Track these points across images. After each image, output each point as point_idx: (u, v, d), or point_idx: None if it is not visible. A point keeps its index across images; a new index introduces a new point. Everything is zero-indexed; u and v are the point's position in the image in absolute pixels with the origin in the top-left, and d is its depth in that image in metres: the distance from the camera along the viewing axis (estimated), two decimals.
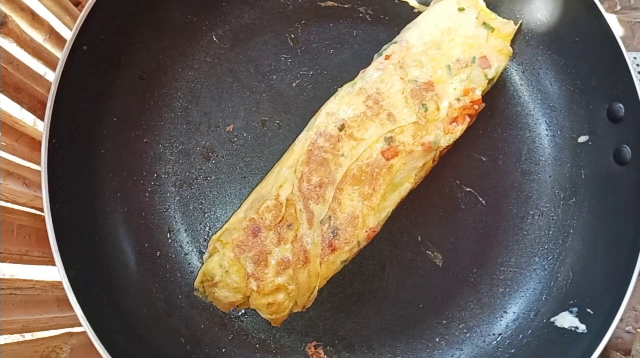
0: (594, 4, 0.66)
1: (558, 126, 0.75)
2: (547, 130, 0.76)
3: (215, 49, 0.78)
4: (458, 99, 0.66)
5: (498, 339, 0.70)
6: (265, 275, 0.61)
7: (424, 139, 0.64)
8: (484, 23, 0.69)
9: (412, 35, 0.69)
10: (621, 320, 0.60)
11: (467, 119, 0.67)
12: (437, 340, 0.71)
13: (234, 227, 0.64)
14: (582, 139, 0.72)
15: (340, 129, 0.64)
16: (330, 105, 0.66)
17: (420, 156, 0.65)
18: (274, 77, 0.77)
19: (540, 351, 0.66)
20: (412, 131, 0.64)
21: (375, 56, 0.71)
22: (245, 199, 0.68)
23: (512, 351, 0.68)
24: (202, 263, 0.65)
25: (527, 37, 0.76)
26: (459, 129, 0.66)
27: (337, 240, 0.62)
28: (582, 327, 0.63)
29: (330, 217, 0.62)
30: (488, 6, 0.72)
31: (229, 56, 0.77)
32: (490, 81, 0.69)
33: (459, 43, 0.68)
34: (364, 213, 0.63)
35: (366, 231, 0.63)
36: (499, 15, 0.73)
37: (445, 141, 0.66)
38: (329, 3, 0.79)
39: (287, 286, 0.62)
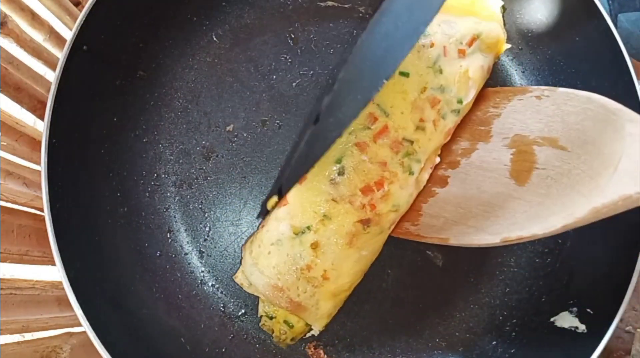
0: (594, 4, 0.66)
1: None
2: None
3: (215, 49, 0.78)
4: None
5: (498, 339, 0.70)
6: None
7: None
8: None
9: None
10: (621, 320, 0.60)
11: None
12: (437, 340, 0.71)
13: None
14: None
15: None
16: None
17: None
18: (274, 77, 0.77)
19: (540, 351, 0.66)
20: None
21: None
22: None
23: (512, 351, 0.68)
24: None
25: (527, 37, 0.76)
26: None
27: None
28: (582, 327, 0.63)
29: None
30: None
31: (229, 56, 0.77)
32: None
33: None
34: None
35: None
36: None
37: None
38: (329, 3, 0.79)
39: None
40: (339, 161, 0.62)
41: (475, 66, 0.67)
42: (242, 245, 0.69)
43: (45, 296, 0.68)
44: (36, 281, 0.69)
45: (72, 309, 0.58)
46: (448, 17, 0.67)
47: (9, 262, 0.64)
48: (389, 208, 0.62)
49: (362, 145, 0.62)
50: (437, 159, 0.68)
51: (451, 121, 0.66)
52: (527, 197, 0.55)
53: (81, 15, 0.63)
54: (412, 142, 0.63)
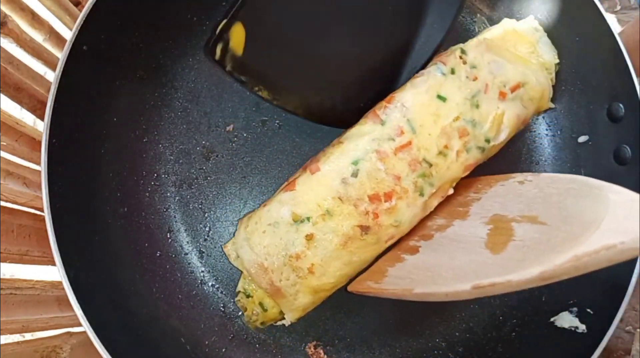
0: (594, 4, 0.66)
1: (558, 126, 0.75)
2: (547, 130, 0.76)
3: None
4: None
5: (498, 339, 0.70)
6: None
7: None
8: None
9: None
10: (621, 320, 0.60)
11: None
12: (437, 340, 0.71)
13: None
14: (582, 139, 0.72)
15: None
16: None
17: None
18: None
19: (540, 351, 0.66)
20: None
21: None
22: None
23: (512, 351, 0.68)
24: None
25: None
26: None
27: None
28: (582, 327, 0.63)
29: None
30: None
31: None
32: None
33: None
34: None
35: None
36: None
37: None
38: None
39: None
40: (355, 163, 0.62)
41: (512, 113, 0.66)
42: (239, 219, 0.69)
43: (45, 297, 0.68)
44: (36, 281, 0.69)
45: (72, 309, 0.58)
46: (499, 59, 0.67)
47: (9, 262, 0.64)
48: (390, 222, 0.62)
49: (382, 154, 0.62)
50: (451, 191, 0.67)
51: (473, 156, 0.66)
52: (501, 263, 0.53)
53: (81, 15, 0.63)
54: (430, 165, 0.63)
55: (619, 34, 0.65)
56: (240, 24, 0.56)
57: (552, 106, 0.73)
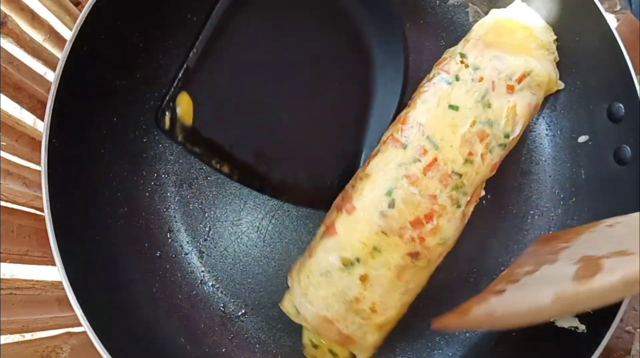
0: (594, 4, 0.66)
1: (558, 126, 0.75)
2: (547, 130, 0.76)
3: None
4: None
5: (498, 339, 0.70)
6: None
7: None
8: None
9: None
10: (621, 320, 0.60)
11: None
12: (437, 340, 0.71)
13: None
14: (582, 139, 0.72)
15: None
16: None
17: None
18: None
19: (540, 351, 0.66)
20: None
21: None
22: None
23: (512, 351, 0.68)
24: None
25: None
26: None
27: None
28: (582, 327, 0.63)
29: None
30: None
31: None
32: None
33: None
34: None
35: None
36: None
37: None
38: None
39: None
40: (389, 193, 0.61)
41: (523, 103, 0.66)
42: (288, 272, 0.67)
43: (45, 296, 0.68)
44: (36, 281, 0.69)
45: (72, 309, 0.58)
46: (499, 53, 0.67)
47: (9, 262, 0.64)
48: (437, 241, 0.62)
49: (412, 177, 0.62)
50: (483, 192, 0.68)
51: (497, 154, 0.66)
52: None
53: (81, 15, 0.63)
54: (460, 175, 0.63)
55: (615, 28, 0.65)
56: (186, 94, 0.55)
57: (562, 85, 0.72)
